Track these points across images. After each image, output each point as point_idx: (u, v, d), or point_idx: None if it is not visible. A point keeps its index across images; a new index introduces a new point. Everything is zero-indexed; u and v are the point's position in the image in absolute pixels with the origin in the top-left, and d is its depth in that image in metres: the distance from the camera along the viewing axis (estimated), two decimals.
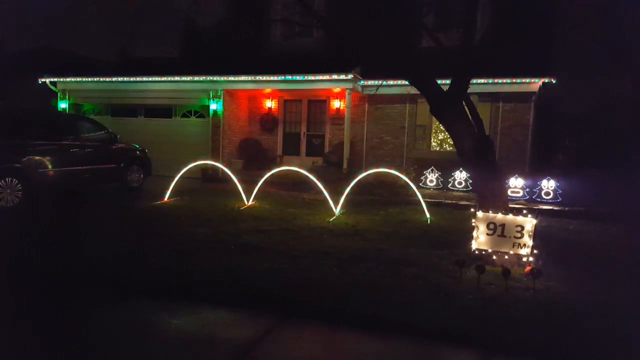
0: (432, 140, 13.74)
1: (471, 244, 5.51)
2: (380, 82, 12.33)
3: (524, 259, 5.26)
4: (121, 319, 4.11)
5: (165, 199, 9.55)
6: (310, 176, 8.90)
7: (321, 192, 8.76)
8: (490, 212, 5.45)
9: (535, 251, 5.24)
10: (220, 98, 13.91)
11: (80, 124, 10.34)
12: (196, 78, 13.81)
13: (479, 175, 6.26)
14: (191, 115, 14.75)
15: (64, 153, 9.16)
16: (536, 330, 3.81)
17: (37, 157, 8.64)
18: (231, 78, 13.54)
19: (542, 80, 11.79)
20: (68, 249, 5.75)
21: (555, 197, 10.55)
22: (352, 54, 11.26)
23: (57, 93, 15.47)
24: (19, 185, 8.25)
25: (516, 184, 10.84)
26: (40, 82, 15.31)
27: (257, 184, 9.40)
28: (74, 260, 5.34)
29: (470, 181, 11.55)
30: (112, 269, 5.09)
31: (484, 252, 5.42)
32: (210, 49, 15.38)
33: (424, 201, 8.82)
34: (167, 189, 9.65)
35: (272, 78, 13.25)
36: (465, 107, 6.28)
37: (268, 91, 14.71)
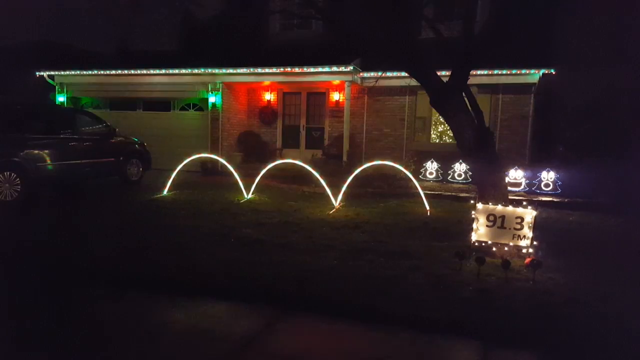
0: (432, 132, 13.70)
1: (471, 236, 5.51)
2: (379, 74, 12.27)
3: (524, 251, 5.26)
4: (121, 312, 4.11)
5: (165, 192, 9.54)
6: (310, 169, 8.89)
7: (321, 185, 8.75)
8: (490, 203, 5.45)
9: (535, 243, 5.24)
10: (219, 91, 13.85)
11: (78, 118, 10.29)
12: (195, 71, 13.74)
13: (479, 167, 6.25)
14: (190, 109, 14.70)
15: (63, 147, 9.13)
16: (536, 321, 3.81)
17: (35, 151, 8.62)
18: (230, 71, 13.47)
19: (542, 71, 11.74)
20: (67, 243, 5.75)
21: (555, 188, 10.54)
22: (351, 45, 11.20)
23: (54, 86, 15.40)
24: (18, 179, 8.24)
25: (516, 176, 10.83)
26: (38, 76, 15.24)
27: (256, 177, 9.38)
28: (73, 254, 5.34)
29: (470, 173, 11.54)
30: (111, 262, 5.09)
31: (483, 244, 5.42)
32: (209, 42, 15.28)
33: (424, 193, 8.81)
34: (167, 182, 9.64)
35: (271, 70, 13.18)
36: (465, 99, 6.25)
37: (267, 84, 14.65)
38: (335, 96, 14.27)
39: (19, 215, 7.54)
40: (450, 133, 11.93)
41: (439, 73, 6.46)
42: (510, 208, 5.36)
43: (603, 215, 8.45)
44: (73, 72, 15.17)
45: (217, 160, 10.16)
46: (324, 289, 4.40)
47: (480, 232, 5.44)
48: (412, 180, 9.19)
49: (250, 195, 9.29)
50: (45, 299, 4.35)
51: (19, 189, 8.24)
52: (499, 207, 5.38)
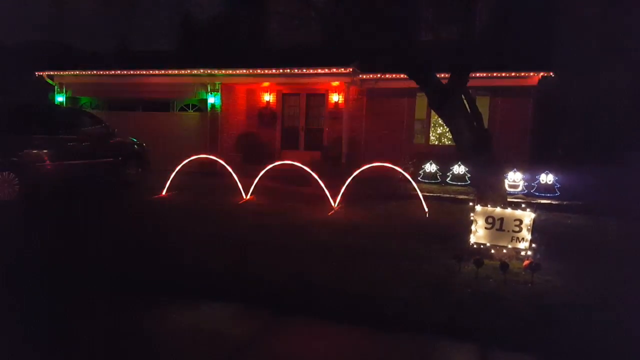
0: (431, 134, 13.72)
1: (469, 238, 5.51)
2: (379, 75, 12.29)
3: (522, 253, 5.26)
4: (118, 314, 4.10)
5: (163, 193, 9.52)
6: (309, 170, 8.88)
7: (320, 186, 8.75)
8: (489, 206, 5.45)
9: (533, 245, 5.24)
10: (218, 92, 13.86)
11: (77, 118, 10.27)
12: (194, 71, 13.74)
13: (478, 169, 6.25)
14: (189, 109, 14.70)
15: (61, 147, 9.11)
16: (534, 324, 3.81)
17: (34, 151, 8.60)
18: (229, 72, 13.48)
19: (541, 74, 11.76)
20: (64, 244, 5.73)
21: (553, 191, 10.55)
22: (351, 47, 11.21)
23: (54, 86, 15.40)
24: (16, 179, 8.22)
25: (515, 178, 10.83)
26: (37, 76, 15.22)
27: (255, 178, 9.37)
28: (71, 255, 5.33)
29: (469, 175, 11.54)
30: (108, 264, 5.08)
31: (482, 246, 5.42)
32: (209, 43, 15.28)
33: (423, 195, 8.81)
34: (165, 183, 9.62)
35: (270, 72, 13.19)
36: (465, 101, 6.25)
37: (266, 85, 14.65)
38: (335, 98, 14.28)
39: (16, 215, 7.52)
40: (449, 135, 11.95)
41: (438, 75, 6.46)
42: (509, 210, 5.36)
43: (601, 218, 8.45)
44: (72, 72, 15.16)
45: (216, 161, 10.15)
46: (322, 291, 4.39)
47: (478, 234, 5.44)
48: (410, 182, 9.20)
49: (248, 197, 9.28)
50: (40, 300, 4.33)
51: (17, 189, 8.22)
52: (498, 210, 5.38)
